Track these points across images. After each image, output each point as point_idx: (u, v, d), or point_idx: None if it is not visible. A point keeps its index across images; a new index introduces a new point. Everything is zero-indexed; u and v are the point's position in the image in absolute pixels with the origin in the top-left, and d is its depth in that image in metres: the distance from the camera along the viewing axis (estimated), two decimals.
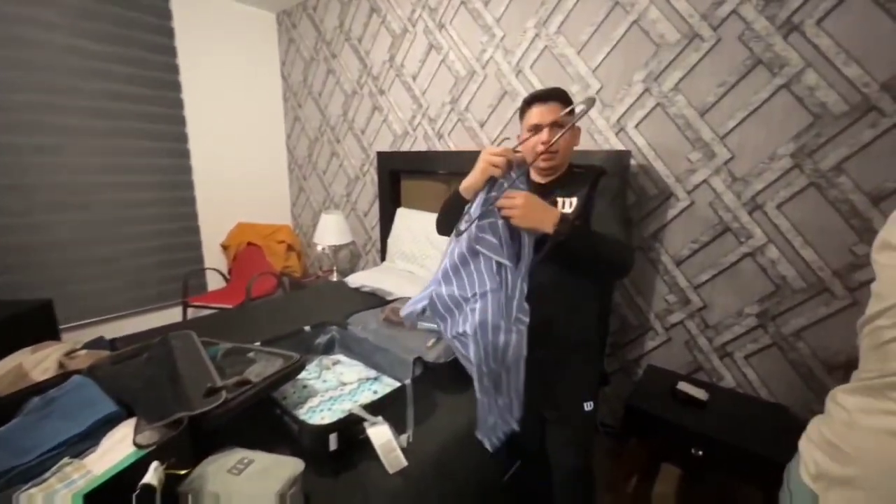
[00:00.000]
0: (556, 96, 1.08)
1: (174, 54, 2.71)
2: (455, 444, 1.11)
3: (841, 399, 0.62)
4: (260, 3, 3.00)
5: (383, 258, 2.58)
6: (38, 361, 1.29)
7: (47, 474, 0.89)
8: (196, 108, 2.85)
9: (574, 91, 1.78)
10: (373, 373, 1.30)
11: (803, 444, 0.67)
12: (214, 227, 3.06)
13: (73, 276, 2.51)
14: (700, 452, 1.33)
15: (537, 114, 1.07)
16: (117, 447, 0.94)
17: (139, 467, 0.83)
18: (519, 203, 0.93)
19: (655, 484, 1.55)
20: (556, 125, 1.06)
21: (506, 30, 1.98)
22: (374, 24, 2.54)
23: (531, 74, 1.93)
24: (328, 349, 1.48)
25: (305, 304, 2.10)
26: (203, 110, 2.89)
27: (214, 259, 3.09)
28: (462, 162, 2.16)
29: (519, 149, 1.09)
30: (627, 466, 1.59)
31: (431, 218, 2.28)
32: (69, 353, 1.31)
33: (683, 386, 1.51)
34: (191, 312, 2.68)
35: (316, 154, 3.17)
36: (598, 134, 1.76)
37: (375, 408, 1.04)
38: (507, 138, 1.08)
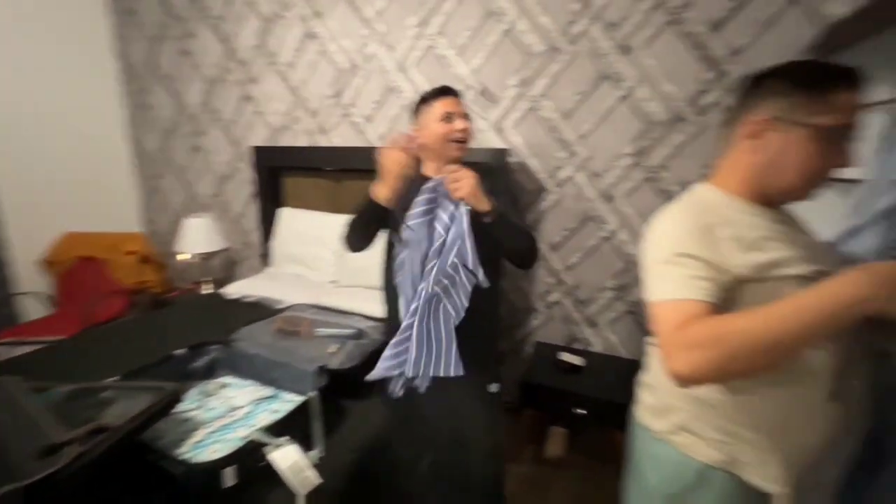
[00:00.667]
0: (456, 93, 1.13)
1: None
2: (371, 448, 1.09)
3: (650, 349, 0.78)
4: None
5: (267, 263, 2.35)
6: None
7: None
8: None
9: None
10: (270, 391, 1.19)
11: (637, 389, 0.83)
12: (30, 240, 2.40)
13: None
14: (581, 411, 1.54)
15: (451, 103, 1.10)
16: None
17: None
18: (468, 174, 0.95)
19: (546, 446, 1.75)
20: (464, 117, 1.11)
21: (388, 25, 1.97)
22: (237, 3, 2.27)
23: (416, 73, 1.96)
24: (210, 373, 1.30)
25: (173, 323, 1.80)
26: (5, 99, 2.23)
27: (32, 280, 2.42)
28: (350, 158, 2.10)
29: (425, 137, 1.10)
30: (523, 436, 1.76)
31: (320, 217, 2.19)
32: None
33: (563, 356, 1.73)
34: (1, 351, 2.06)
35: (172, 148, 2.72)
36: (480, 133, 1.87)
37: (278, 428, 0.96)
38: (407, 133, 1.08)
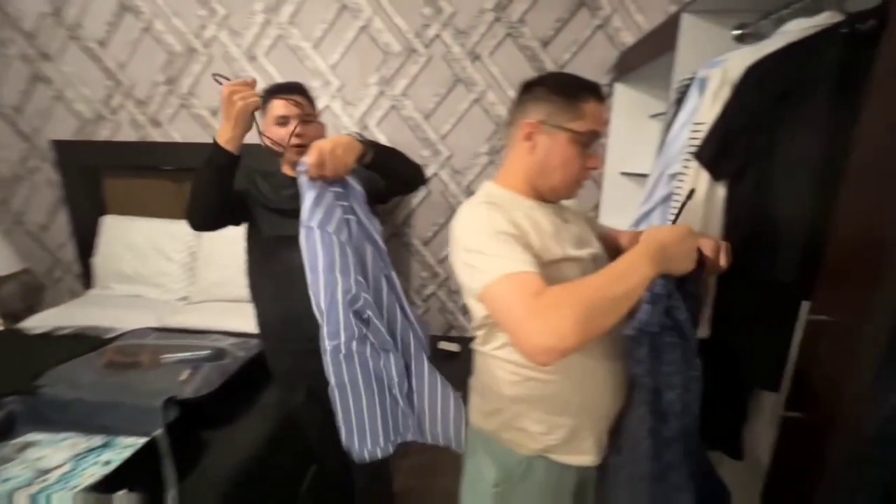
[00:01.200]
0: (300, 90, 1.06)
1: None
2: (241, 477, 0.99)
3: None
4: None
5: (89, 285, 1.92)
6: None
7: None
8: None
9: (316, 86, 1.78)
10: (99, 439, 0.98)
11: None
12: None
13: None
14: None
15: (285, 105, 1.02)
16: None
17: None
18: (324, 147, 0.77)
19: None
20: (303, 117, 1.03)
21: (228, 8, 1.76)
22: None
23: (267, 63, 1.80)
24: (5, 433, 1.01)
25: None
26: None
27: None
28: (193, 156, 1.83)
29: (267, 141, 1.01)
30: None
31: (160, 225, 1.86)
32: None
33: (442, 344, 1.82)
34: None
35: None
36: (343, 129, 1.83)
37: (111, 482, 0.80)
38: (221, 77, 0.88)
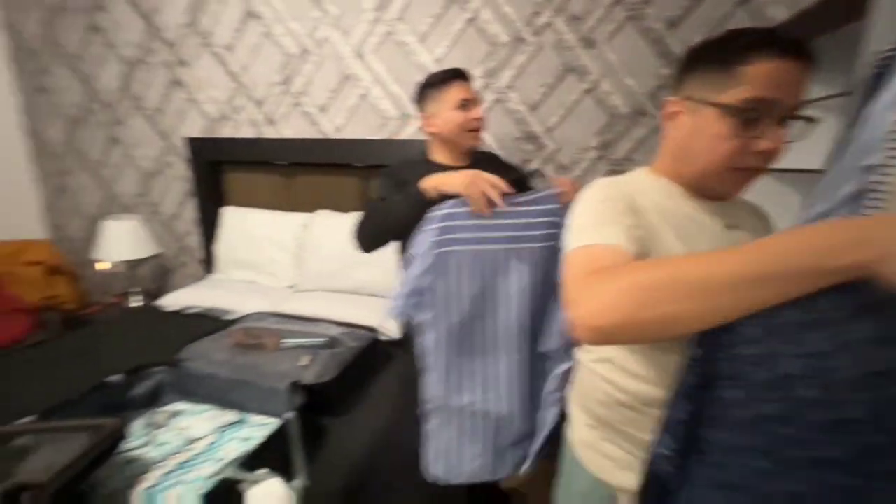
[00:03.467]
0: (468, 76, 1.08)
1: None
2: (364, 469, 0.98)
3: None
4: None
5: (210, 270, 2.10)
6: None
7: None
8: None
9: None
10: (234, 415, 1.03)
11: None
12: None
13: None
14: None
15: (465, 89, 1.04)
16: None
17: None
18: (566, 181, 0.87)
19: None
20: (478, 102, 1.07)
21: (341, 8, 1.82)
22: None
23: (375, 60, 1.84)
24: (154, 400, 1.11)
25: (97, 345, 1.53)
26: None
27: None
28: (301, 151, 1.93)
29: (439, 127, 1.04)
30: None
31: (272, 216, 1.98)
32: None
33: None
34: None
35: (82, 140, 2.33)
36: None
37: (252, 460, 0.83)
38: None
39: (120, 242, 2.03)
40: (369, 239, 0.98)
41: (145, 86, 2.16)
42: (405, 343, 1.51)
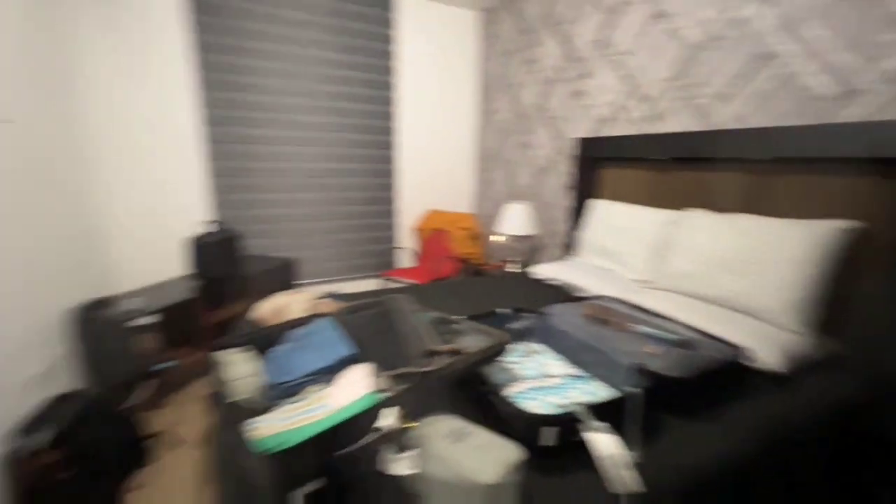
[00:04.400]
0: None
1: (391, 58, 3.09)
2: (691, 479, 0.88)
3: None
4: (463, 2, 3.16)
5: (570, 252, 2.40)
6: (294, 303, 1.59)
7: (299, 395, 1.04)
8: (402, 106, 3.20)
9: None
10: (579, 371, 1.16)
11: None
12: (409, 213, 3.40)
13: (305, 243, 3.12)
14: None
15: None
16: (350, 388, 1.04)
17: (373, 410, 0.88)
18: None
19: None
20: None
21: None
22: (583, 4, 2.37)
23: (809, 29, 1.46)
24: (522, 336, 1.40)
25: (488, 289, 2.10)
26: (408, 108, 3.23)
27: (407, 240, 3.43)
28: (685, 146, 1.82)
29: None
30: None
31: (637, 211, 2.01)
32: (316, 300, 1.58)
33: None
34: (381, 284, 3.03)
35: (504, 145, 3.19)
36: None
37: (596, 410, 0.90)
38: None
39: (513, 221, 2.66)
40: None
41: (553, 99, 2.67)
42: (787, 381, 1.19)
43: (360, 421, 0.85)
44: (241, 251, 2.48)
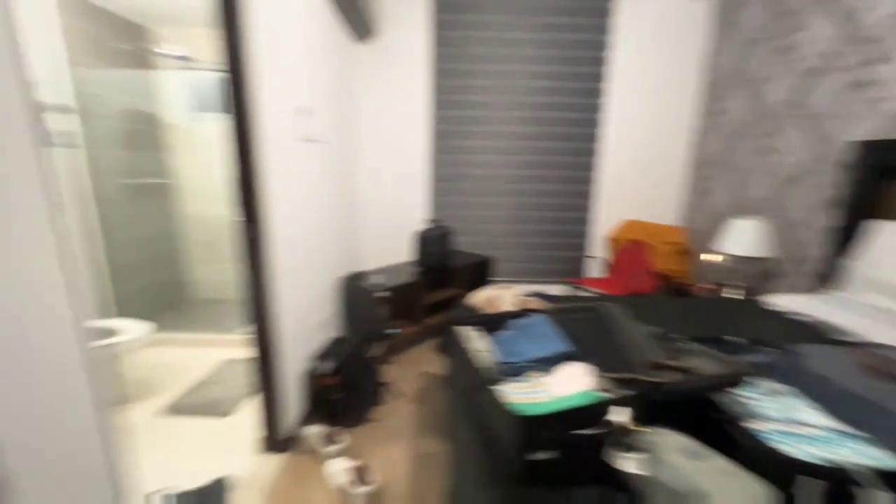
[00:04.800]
0: None
1: (603, 64, 3.03)
2: None
3: None
4: None
5: (826, 283, 1.92)
6: (505, 296, 1.78)
7: (522, 377, 1.18)
8: (610, 112, 3.10)
9: None
10: (846, 428, 0.95)
11: None
12: (604, 221, 3.29)
13: (499, 243, 3.37)
14: None
15: None
16: (570, 380, 1.12)
17: (597, 406, 0.94)
18: None
19: None
20: None
21: None
22: None
23: None
24: (760, 372, 1.22)
25: (704, 312, 1.87)
26: (616, 114, 3.11)
27: (599, 249, 3.34)
28: None
29: None
30: None
31: None
32: (524, 297, 1.74)
33: None
34: (570, 291, 3.02)
35: (734, 150, 2.75)
36: None
37: (883, 479, 0.74)
38: None
39: (740, 239, 2.28)
40: None
41: (817, 93, 2.16)
42: None
43: (587, 412, 0.92)
44: (453, 246, 2.89)
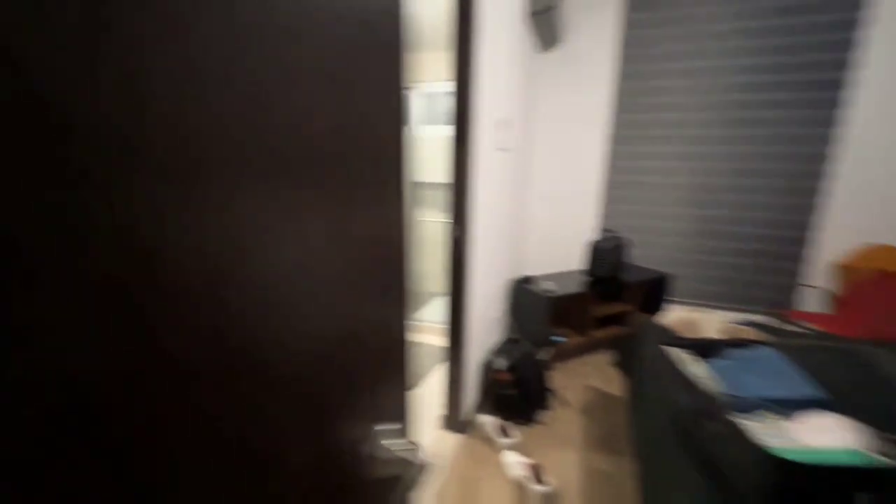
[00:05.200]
0: None
1: (848, 50, 2.42)
2: None
3: None
4: None
5: None
6: (707, 321, 1.61)
7: (753, 415, 1.05)
8: (857, 108, 2.46)
9: None
10: None
11: None
12: (831, 243, 2.64)
13: (679, 259, 3.01)
14: None
15: None
16: (824, 431, 0.96)
17: (876, 470, 0.78)
18: None
19: None
20: None
21: None
22: None
23: None
24: None
25: None
26: (868, 110, 2.45)
27: (820, 278, 2.69)
28: None
29: None
30: None
31: None
32: (733, 325, 1.54)
33: None
34: (774, 323, 2.51)
35: None
36: None
37: None
38: None
39: None
40: None
41: None
42: None
43: (863, 474, 0.78)
44: (626, 258, 2.71)
